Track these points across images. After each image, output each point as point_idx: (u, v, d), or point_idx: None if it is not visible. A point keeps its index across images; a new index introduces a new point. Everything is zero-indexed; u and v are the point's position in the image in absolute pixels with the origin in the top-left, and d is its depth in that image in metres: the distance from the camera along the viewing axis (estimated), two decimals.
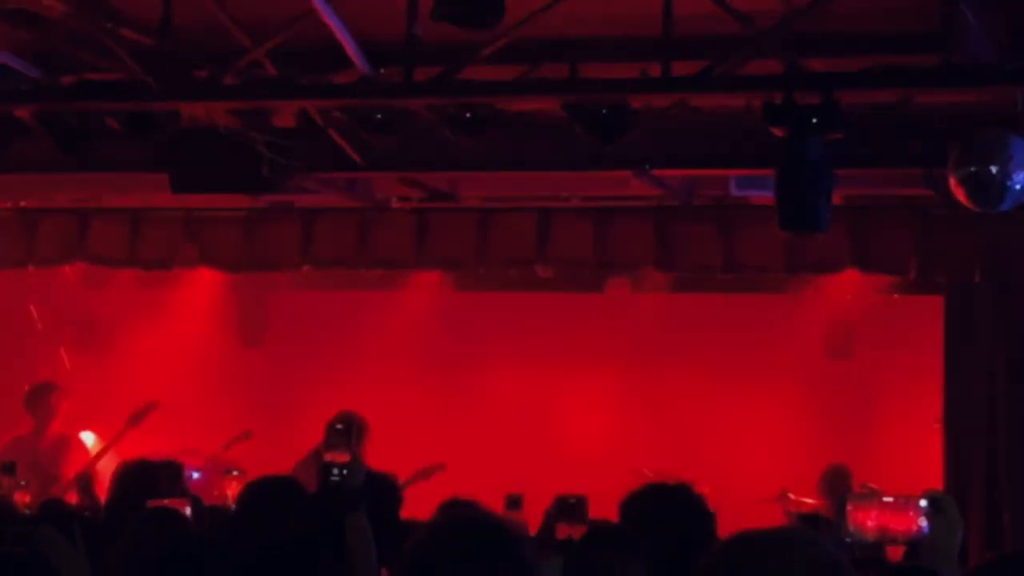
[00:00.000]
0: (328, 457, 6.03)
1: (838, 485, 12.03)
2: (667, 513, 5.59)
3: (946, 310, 11.56)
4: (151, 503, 6.68)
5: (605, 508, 6.00)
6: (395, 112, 9.22)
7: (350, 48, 8.69)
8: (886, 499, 4.86)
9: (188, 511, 6.65)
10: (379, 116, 9.23)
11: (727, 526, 5.54)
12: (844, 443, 13.05)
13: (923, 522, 4.71)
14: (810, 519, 8.92)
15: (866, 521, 4.79)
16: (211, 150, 9.71)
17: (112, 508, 7.62)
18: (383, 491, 6.77)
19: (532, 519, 7.65)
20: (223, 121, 9.67)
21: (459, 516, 4.15)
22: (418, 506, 8.07)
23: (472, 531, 3.70)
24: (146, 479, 7.63)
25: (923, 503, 4.73)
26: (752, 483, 12.07)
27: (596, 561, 4.77)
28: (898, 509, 4.78)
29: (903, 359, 13.03)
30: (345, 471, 5.92)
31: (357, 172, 10.93)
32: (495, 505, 7.47)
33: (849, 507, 4.80)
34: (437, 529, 3.80)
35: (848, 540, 4.82)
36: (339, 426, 6.12)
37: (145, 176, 10.67)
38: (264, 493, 6.54)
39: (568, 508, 5.75)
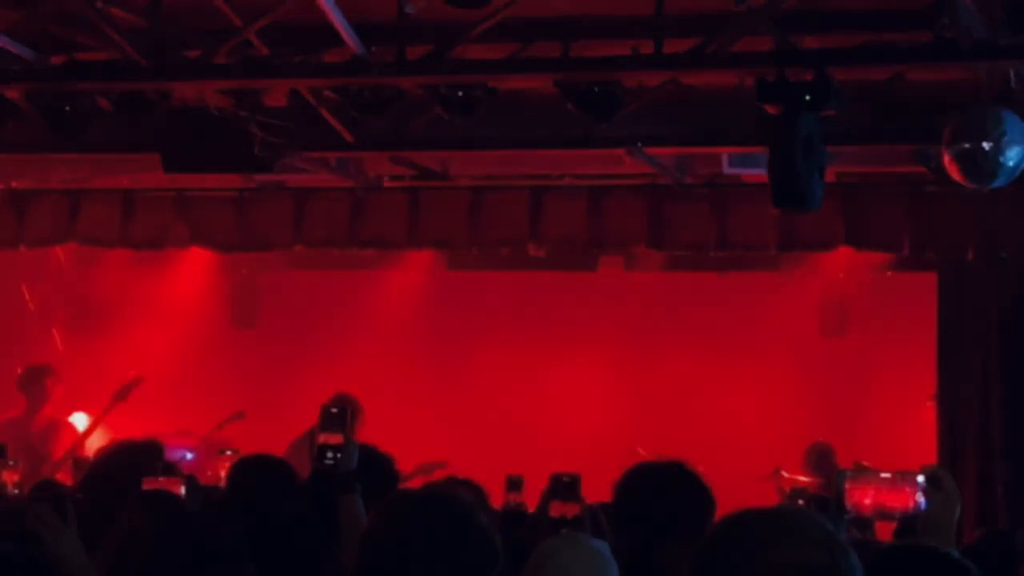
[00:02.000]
0: (322, 439, 6.01)
1: (823, 463, 12.07)
2: (663, 490, 5.58)
3: (939, 287, 11.57)
4: (146, 485, 6.64)
5: (600, 488, 6.00)
6: (387, 91, 9.19)
7: (341, 27, 8.65)
8: (883, 475, 4.84)
9: (182, 490, 6.61)
10: (371, 95, 9.21)
11: (721, 505, 5.54)
12: (837, 420, 13.08)
13: (920, 498, 4.70)
14: (810, 497, 8.94)
15: (863, 499, 4.78)
16: (202, 130, 9.69)
17: (94, 490, 7.57)
18: (379, 470, 6.75)
19: (530, 499, 7.65)
20: (214, 101, 9.65)
21: (408, 494, 4.12)
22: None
23: (425, 506, 3.69)
24: (127, 460, 7.60)
25: (920, 479, 4.72)
26: (745, 461, 12.09)
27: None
28: (895, 485, 4.76)
29: (896, 336, 13.06)
30: (339, 454, 5.91)
31: (349, 151, 10.91)
32: (491, 486, 7.48)
33: (846, 485, 4.78)
34: (391, 508, 3.78)
35: (847, 517, 4.81)
36: (334, 409, 6.10)
37: (137, 156, 10.66)
38: (253, 471, 6.53)
39: (562, 487, 5.73)
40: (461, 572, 3.61)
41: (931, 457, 11.23)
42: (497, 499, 7.42)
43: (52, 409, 12.94)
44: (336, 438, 5.98)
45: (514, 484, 7.51)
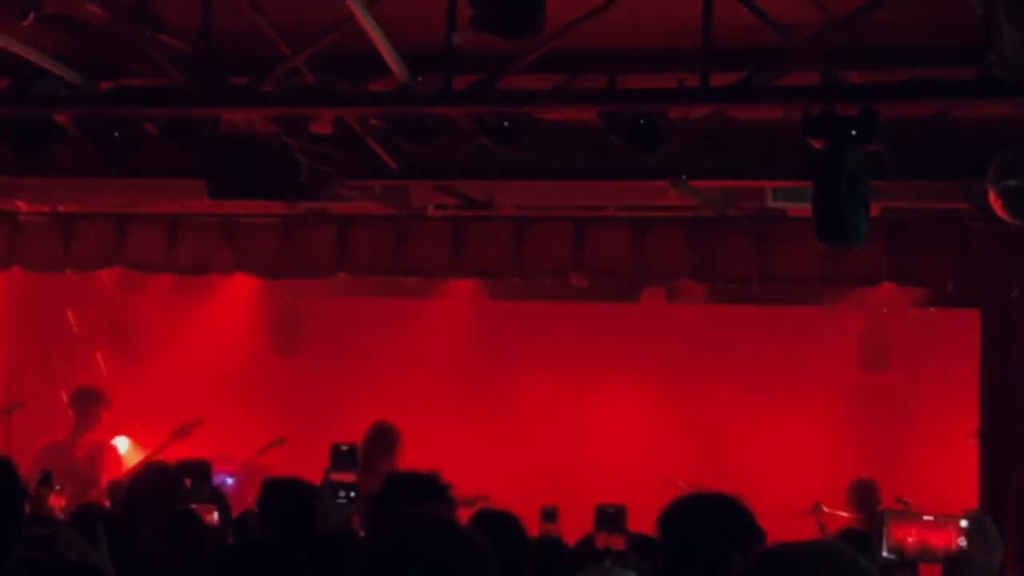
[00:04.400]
0: (335, 477, 5.98)
1: (867, 499, 12.00)
2: (712, 523, 5.54)
3: (983, 324, 11.51)
4: (176, 506, 6.67)
5: (639, 519, 5.98)
6: (433, 120, 9.22)
7: (388, 56, 8.69)
8: (926, 517, 4.85)
9: (216, 516, 6.62)
10: (416, 124, 9.24)
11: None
12: (879, 456, 13.02)
13: (963, 541, 4.69)
14: (851, 535, 8.88)
15: (906, 537, 4.77)
16: (249, 156, 9.74)
17: (131, 509, 7.61)
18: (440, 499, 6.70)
19: (565, 531, 7.64)
20: (261, 128, 9.69)
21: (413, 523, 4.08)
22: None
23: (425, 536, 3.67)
24: (165, 482, 7.62)
25: (964, 523, 4.71)
26: (786, 495, 12.02)
27: None
28: (938, 527, 4.76)
29: (939, 373, 13.00)
30: (352, 493, 5.88)
31: (394, 180, 10.94)
32: (529, 516, 7.47)
33: (890, 524, 4.78)
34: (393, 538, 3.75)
35: (887, 556, 4.79)
36: (344, 447, 6.08)
37: (183, 182, 10.71)
38: (283, 493, 6.54)
39: (607, 518, 5.72)
40: None
41: (972, 495, 11.17)
42: (532, 528, 7.43)
43: (96, 434, 13.00)
44: (348, 476, 5.95)
45: (549, 515, 7.50)
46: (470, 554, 3.59)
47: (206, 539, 6.27)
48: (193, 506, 6.77)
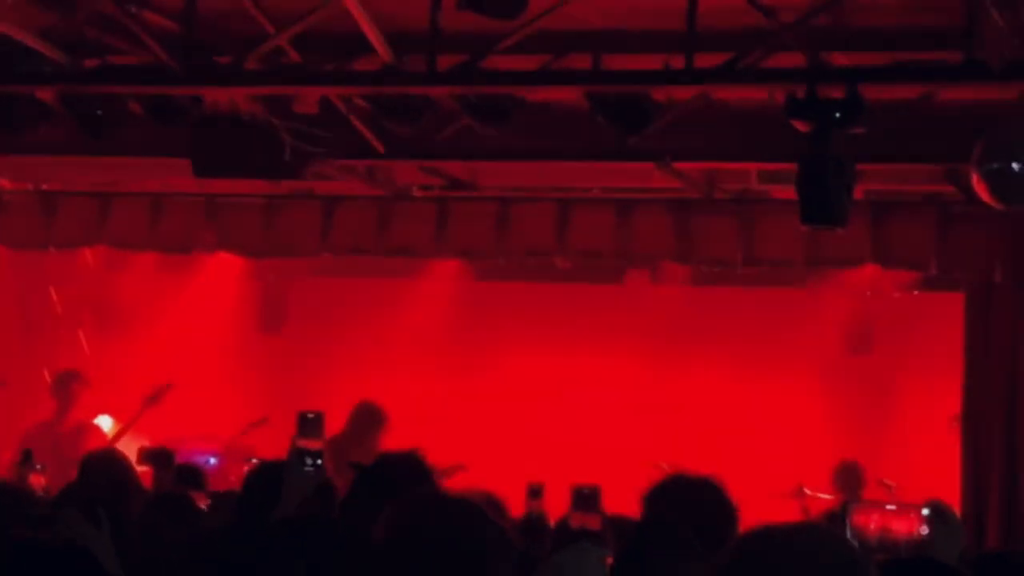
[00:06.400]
0: (302, 444, 5.93)
1: (852, 481, 12.03)
2: (691, 505, 5.55)
3: (966, 307, 11.51)
4: (164, 490, 6.67)
5: (621, 500, 5.99)
6: (417, 100, 9.21)
7: (373, 36, 8.68)
8: (888, 506, 4.91)
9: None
10: (401, 104, 9.23)
11: (743, 521, 5.53)
12: (861, 439, 13.04)
13: (924, 529, 4.75)
14: (837, 517, 8.90)
15: (868, 524, 4.81)
16: (233, 136, 9.72)
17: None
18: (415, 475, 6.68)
19: (550, 509, 7.65)
20: (246, 107, 9.68)
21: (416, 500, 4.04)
22: None
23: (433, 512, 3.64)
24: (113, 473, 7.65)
25: (925, 511, 4.77)
26: (768, 478, 12.05)
27: (653, 561, 4.73)
28: (900, 515, 4.81)
29: (922, 356, 13.02)
30: (319, 460, 5.84)
31: (378, 159, 10.93)
32: (512, 495, 7.48)
33: (852, 512, 4.84)
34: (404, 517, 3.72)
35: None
36: (311, 415, 6.04)
37: (167, 161, 10.69)
38: (267, 478, 6.52)
39: (583, 498, 5.71)
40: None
41: (955, 478, 11.19)
42: (517, 507, 7.43)
43: (80, 412, 13.00)
44: (315, 444, 5.91)
45: (535, 492, 7.51)
46: (489, 533, 3.57)
47: (195, 522, 6.27)
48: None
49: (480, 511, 3.60)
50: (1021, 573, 5.66)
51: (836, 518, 8.75)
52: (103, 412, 13.40)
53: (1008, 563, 5.89)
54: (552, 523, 7.29)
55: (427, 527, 3.54)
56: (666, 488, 5.63)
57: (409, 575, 3.44)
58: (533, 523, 7.24)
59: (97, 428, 13.07)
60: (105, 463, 7.94)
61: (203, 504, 7.88)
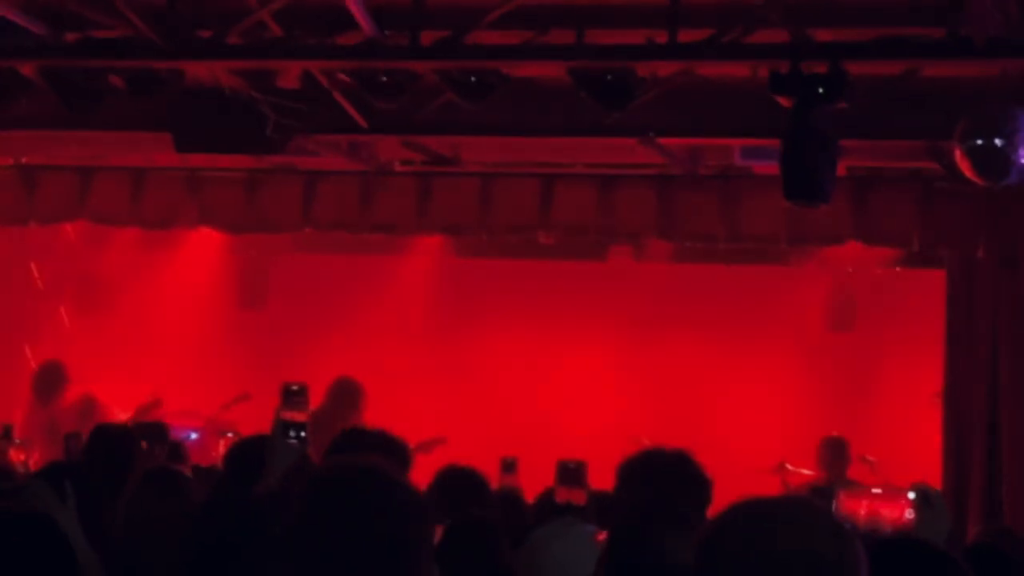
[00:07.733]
0: (286, 416, 5.90)
1: (836, 457, 12.03)
2: (663, 478, 5.56)
3: (948, 284, 11.53)
4: (151, 465, 6.65)
5: (602, 475, 5.99)
6: (400, 75, 9.19)
7: (356, 10, 8.65)
8: (875, 490, 4.97)
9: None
10: (384, 79, 9.20)
11: (725, 497, 5.51)
12: (843, 415, 13.05)
13: (910, 513, 4.78)
14: (821, 491, 8.92)
15: (858, 510, 4.85)
16: (215, 110, 9.70)
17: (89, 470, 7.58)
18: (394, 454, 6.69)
19: (528, 484, 7.66)
20: (227, 81, 9.64)
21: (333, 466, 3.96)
22: (417, 472, 8.06)
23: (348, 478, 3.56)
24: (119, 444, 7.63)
25: (911, 495, 4.81)
26: (750, 454, 12.07)
27: (647, 537, 4.72)
28: (887, 499, 4.85)
29: (904, 332, 13.03)
30: (303, 432, 5.82)
31: (360, 135, 10.90)
32: (495, 469, 7.49)
33: (841, 496, 4.87)
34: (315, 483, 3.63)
35: None
36: (295, 387, 6.02)
37: (148, 135, 10.65)
38: (249, 452, 6.49)
39: (568, 473, 5.72)
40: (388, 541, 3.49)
41: (936, 454, 11.22)
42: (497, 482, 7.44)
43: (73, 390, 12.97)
44: (299, 416, 5.89)
45: (509, 466, 7.51)
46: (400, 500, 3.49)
47: (188, 497, 6.24)
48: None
49: (386, 474, 3.51)
50: (1008, 560, 5.69)
51: (820, 492, 8.77)
52: (82, 388, 13.36)
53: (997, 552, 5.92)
54: (526, 497, 7.31)
55: (336, 498, 3.46)
56: (640, 461, 5.63)
57: (325, 550, 3.39)
58: (507, 496, 7.25)
59: (100, 403, 13.00)
60: (114, 436, 7.94)
61: None
